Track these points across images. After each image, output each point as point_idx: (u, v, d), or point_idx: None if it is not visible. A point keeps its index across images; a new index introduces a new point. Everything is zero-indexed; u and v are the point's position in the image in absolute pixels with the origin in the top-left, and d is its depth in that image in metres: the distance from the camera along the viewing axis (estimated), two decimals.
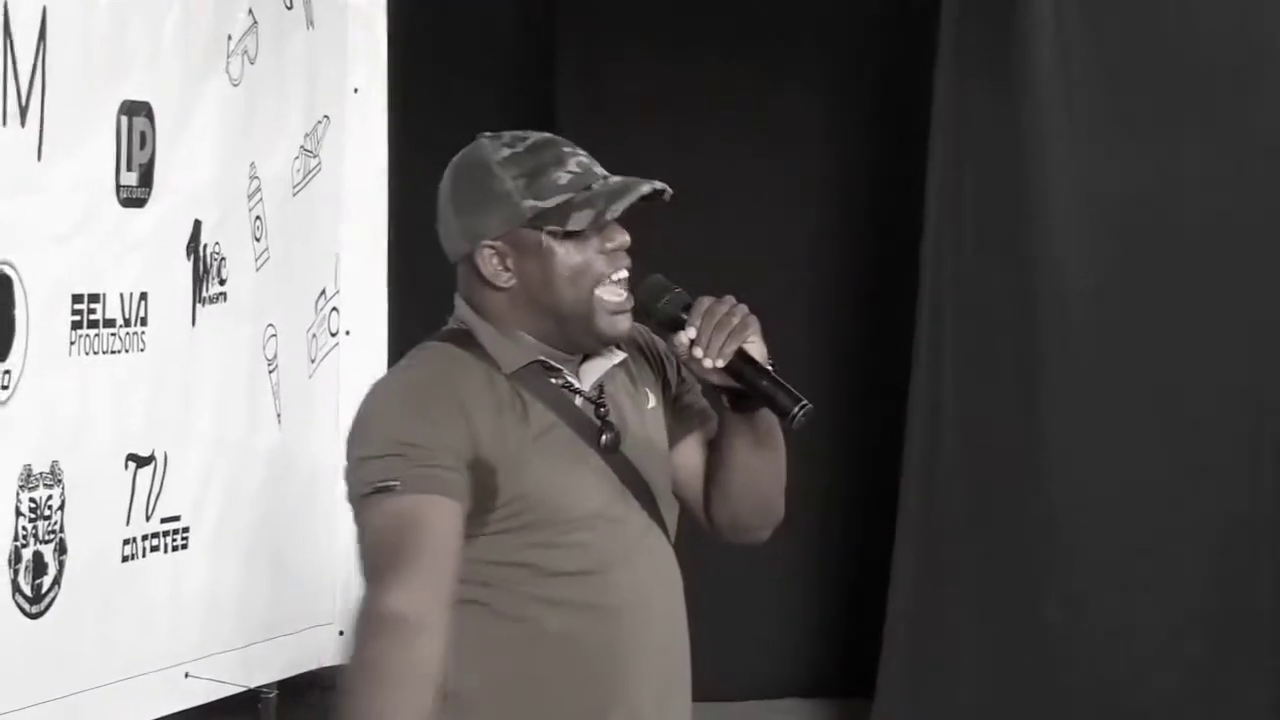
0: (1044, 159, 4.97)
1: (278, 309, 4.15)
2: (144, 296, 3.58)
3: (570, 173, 2.22)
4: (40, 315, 3.28)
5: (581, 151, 2.27)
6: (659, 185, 2.22)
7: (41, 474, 3.30)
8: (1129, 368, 4.97)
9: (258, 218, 4.04)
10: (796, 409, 2.19)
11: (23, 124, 3.24)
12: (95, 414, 3.45)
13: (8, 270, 3.22)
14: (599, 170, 2.25)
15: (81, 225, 3.43)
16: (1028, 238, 4.97)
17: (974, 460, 5.01)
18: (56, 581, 3.35)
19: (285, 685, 4.33)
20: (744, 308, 2.23)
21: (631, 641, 2.22)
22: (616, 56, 6.15)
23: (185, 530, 3.76)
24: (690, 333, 2.21)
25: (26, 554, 3.27)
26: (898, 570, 5.13)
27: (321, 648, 4.46)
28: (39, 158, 3.29)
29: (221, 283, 3.86)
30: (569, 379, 2.24)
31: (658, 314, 2.25)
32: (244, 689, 4.05)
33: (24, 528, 3.25)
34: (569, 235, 2.19)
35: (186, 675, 3.80)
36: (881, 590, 5.18)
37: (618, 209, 2.19)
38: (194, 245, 3.77)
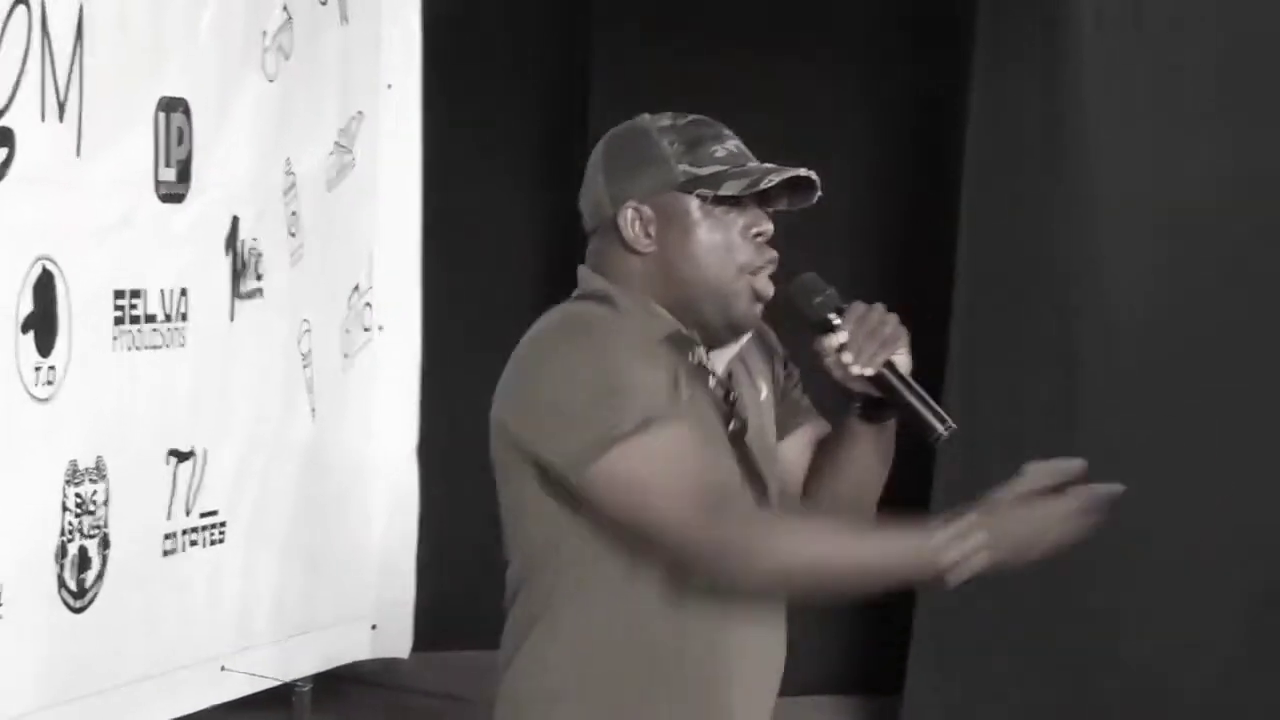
0: (1085, 153, 4.94)
1: (312, 304, 4.16)
2: (184, 292, 3.59)
3: (727, 150, 2.19)
4: (82, 311, 3.30)
5: (737, 138, 2.23)
6: (811, 174, 2.18)
7: (87, 469, 3.32)
8: (1170, 369, 4.92)
9: (293, 213, 4.06)
10: (942, 428, 2.17)
11: (61, 119, 3.25)
12: (138, 409, 3.47)
13: (49, 267, 3.24)
14: (752, 157, 2.21)
15: (122, 221, 3.45)
16: (1065, 236, 4.94)
17: (1006, 457, 4.97)
18: (100, 576, 3.37)
19: (319, 679, 4.34)
20: (895, 317, 2.19)
21: (738, 646, 2.19)
22: (652, 50, 6.14)
23: (222, 524, 3.77)
24: (842, 336, 2.17)
25: (72, 549, 3.29)
26: None
27: (355, 642, 4.48)
28: (78, 154, 3.31)
29: (258, 278, 3.87)
30: (703, 358, 2.19)
31: (809, 312, 2.20)
32: (279, 682, 4.07)
33: (70, 523, 3.27)
34: (719, 202, 2.15)
35: (223, 669, 3.81)
36: (910, 588, 5.16)
37: (773, 180, 2.15)
38: (232, 241, 3.79)
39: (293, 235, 4.06)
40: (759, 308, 2.19)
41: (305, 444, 4.16)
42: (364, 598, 4.47)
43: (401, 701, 5.36)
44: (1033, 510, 2.05)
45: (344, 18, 4.28)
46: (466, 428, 6.91)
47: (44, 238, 3.23)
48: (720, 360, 2.22)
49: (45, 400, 3.22)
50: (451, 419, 5.78)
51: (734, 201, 2.15)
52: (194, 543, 3.67)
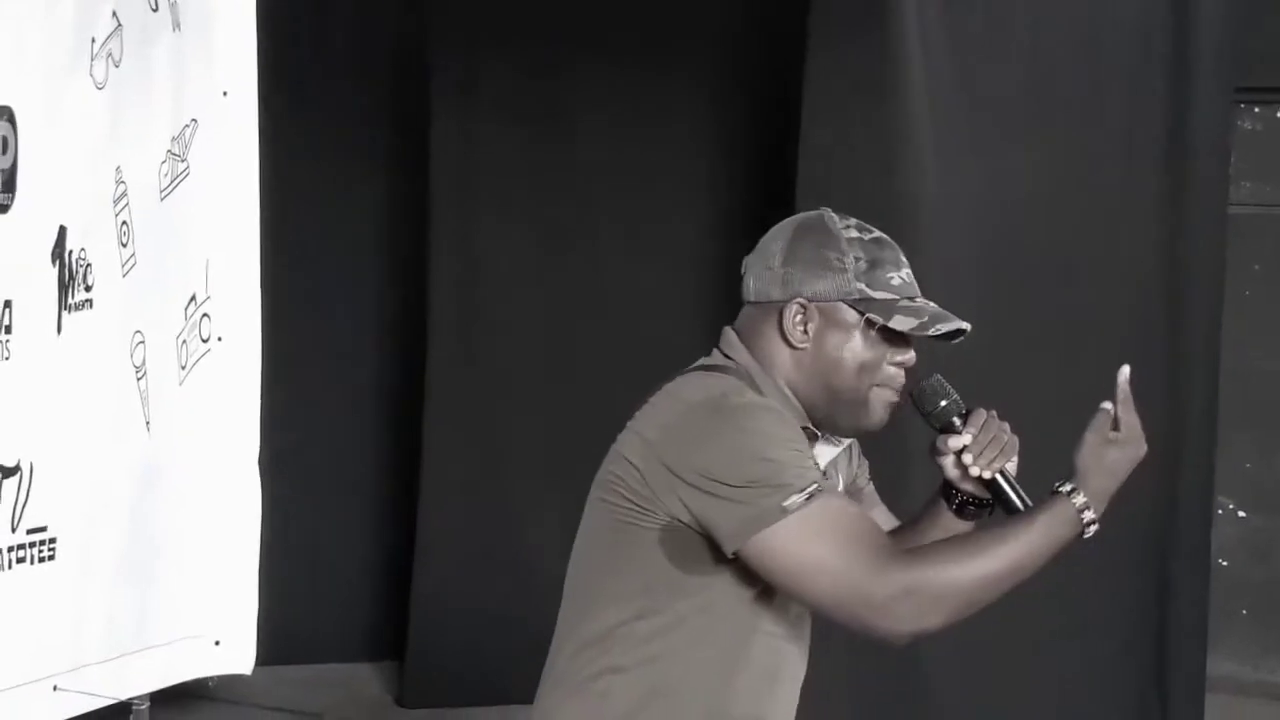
0: (907, 163, 5.07)
1: (146, 315, 4.09)
2: (8, 304, 3.51)
3: (901, 279, 2.37)
4: None
5: (908, 265, 2.41)
6: (968, 326, 2.35)
7: None
8: (986, 358, 5.06)
9: (124, 223, 3.98)
10: None
11: None
12: None
13: None
14: (918, 290, 2.40)
15: None
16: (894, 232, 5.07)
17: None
18: None
19: (160, 695, 4.28)
20: (1008, 426, 2.42)
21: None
22: (491, 56, 6.14)
23: (52, 541, 3.69)
24: (965, 439, 2.39)
25: None
26: None
27: (197, 658, 4.41)
28: None
29: (88, 289, 3.80)
30: (814, 453, 2.35)
31: (936, 414, 2.42)
32: (115, 700, 4.00)
33: None
34: (881, 331, 2.33)
35: (55, 688, 3.73)
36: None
37: (940, 329, 2.33)
38: (59, 251, 3.70)
39: (124, 245, 3.99)
40: (886, 416, 2.39)
41: (141, 458, 4.09)
42: (205, 613, 4.40)
43: (245, 716, 5.31)
44: (1119, 445, 2.31)
45: (176, 25, 4.21)
46: (309, 439, 6.91)
47: None
48: (824, 457, 2.40)
49: None
50: (294, 430, 5.75)
51: (894, 330, 2.33)
52: (21, 560, 3.58)
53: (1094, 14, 5.34)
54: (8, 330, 3.50)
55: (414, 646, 6.29)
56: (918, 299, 2.36)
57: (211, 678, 4.56)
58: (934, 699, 5.25)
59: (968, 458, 2.38)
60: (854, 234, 2.36)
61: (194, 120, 4.29)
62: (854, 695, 5.18)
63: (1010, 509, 2.40)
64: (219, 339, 4.40)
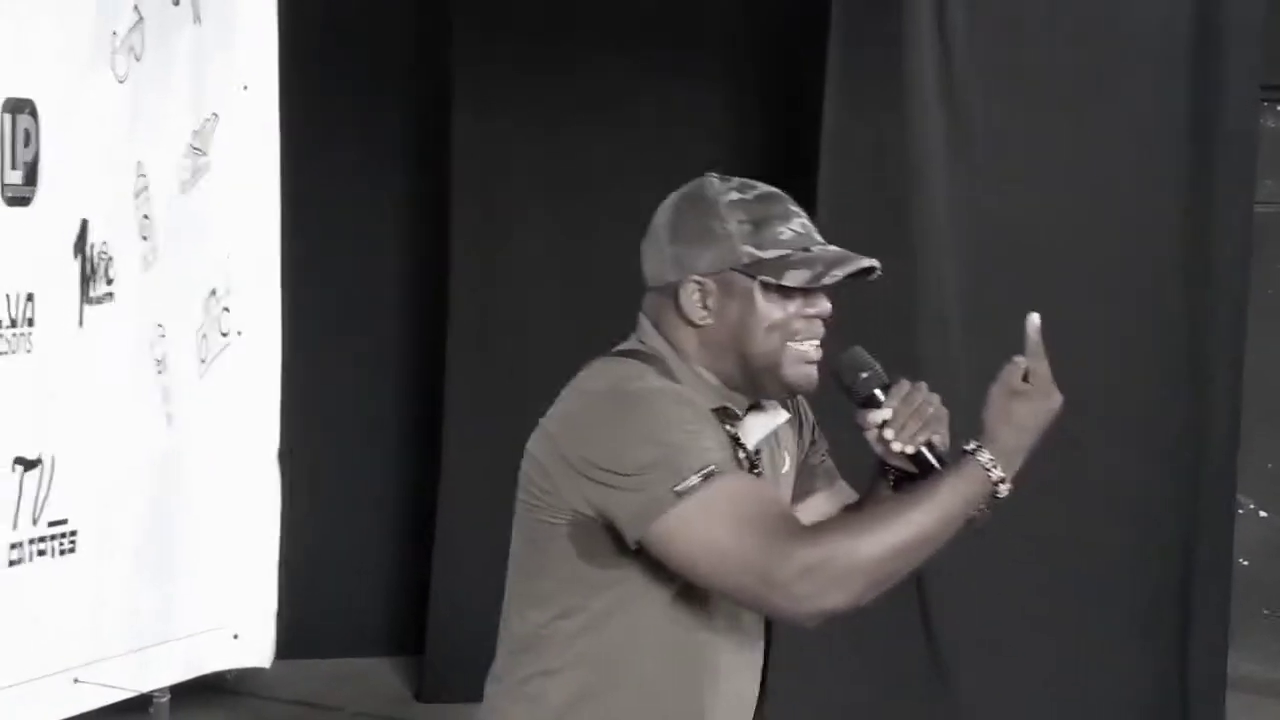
0: (924, 169, 5.08)
1: (167, 309, 4.10)
2: (30, 297, 3.52)
3: (793, 230, 2.26)
4: None
5: (804, 214, 2.30)
6: (875, 264, 2.24)
7: None
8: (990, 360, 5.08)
9: (145, 216, 3.99)
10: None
11: None
12: None
13: None
14: (818, 236, 2.28)
15: None
16: (910, 245, 5.07)
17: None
18: None
19: (179, 688, 4.29)
20: (937, 398, 2.28)
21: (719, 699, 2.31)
22: (513, 53, 6.13)
23: (73, 534, 3.70)
24: (885, 413, 2.25)
25: None
26: None
27: (216, 651, 4.42)
28: None
29: (109, 283, 3.80)
30: (737, 432, 2.28)
31: (855, 388, 2.29)
32: (135, 693, 4.01)
33: None
34: (778, 290, 2.23)
35: (75, 681, 3.74)
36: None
37: (836, 275, 2.23)
38: (81, 244, 3.71)
39: (145, 239, 3.99)
40: (813, 370, 2.28)
41: (161, 451, 4.10)
42: (225, 606, 4.41)
43: (264, 710, 5.32)
44: (1026, 396, 2.17)
45: (197, 18, 4.21)
46: (329, 433, 6.91)
47: None
48: (753, 434, 2.31)
49: None
50: (314, 424, 5.75)
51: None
52: (42, 552, 3.59)
53: (1117, 9, 5.32)
54: (29, 323, 3.51)
55: (433, 641, 6.29)
56: (814, 248, 2.24)
57: (230, 671, 4.57)
58: (952, 698, 5.24)
59: (889, 432, 2.25)
60: (734, 195, 2.26)
61: (215, 114, 4.29)
62: (870, 692, 5.18)
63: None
64: (239, 333, 4.41)
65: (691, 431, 2.14)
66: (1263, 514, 7.16)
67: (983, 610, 5.22)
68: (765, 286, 2.22)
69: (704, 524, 2.09)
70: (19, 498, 3.51)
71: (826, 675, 5.19)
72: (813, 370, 2.27)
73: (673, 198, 2.31)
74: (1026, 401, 2.16)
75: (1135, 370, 5.20)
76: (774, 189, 2.31)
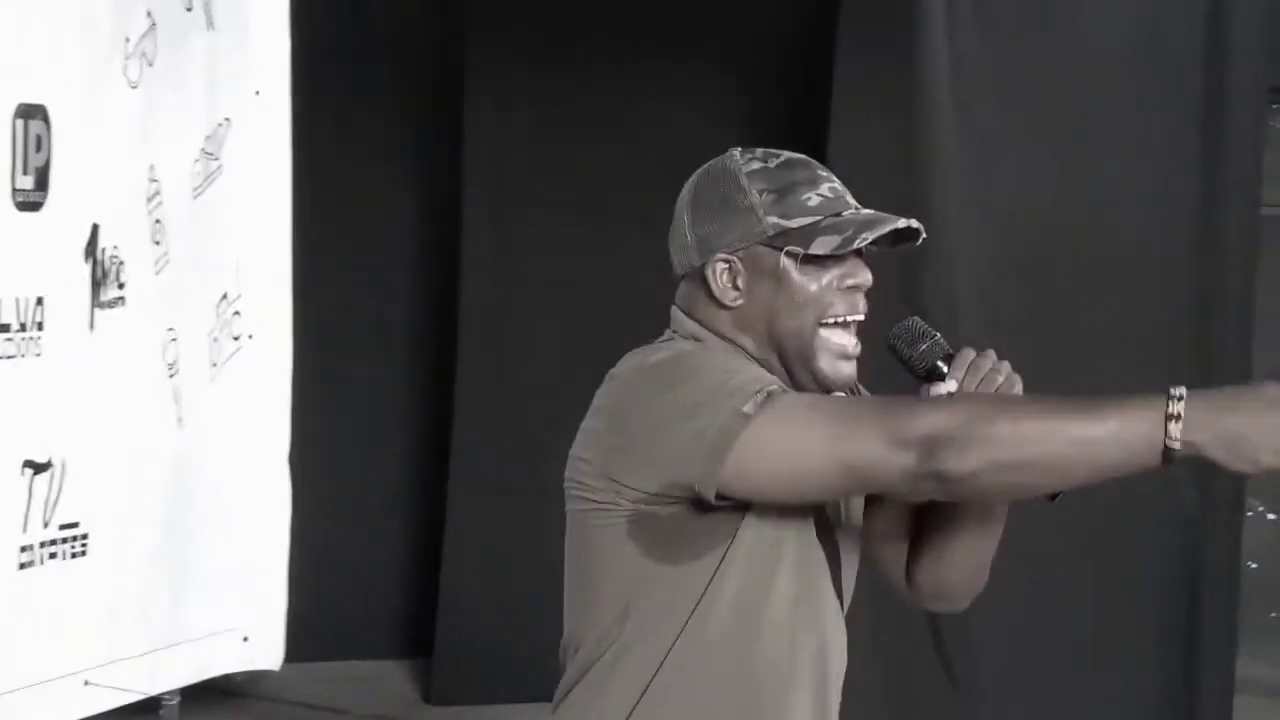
0: (936, 163, 5.08)
1: (178, 313, 4.11)
2: (40, 301, 3.53)
3: (821, 196, 2.06)
4: None
5: (834, 177, 2.10)
6: (913, 222, 2.05)
7: None
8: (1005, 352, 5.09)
9: (157, 220, 4.01)
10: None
11: None
12: None
13: None
14: (851, 200, 2.09)
15: None
16: (920, 250, 5.08)
17: None
18: None
19: (189, 691, 4.30)
20: (1007, 365, 2.08)
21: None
22: (527, 56, 6.14)
23: (85, 537, 3.71)
24: (951, 385, 2.06)
25: None
26: None
27: (226, 654, 4.43)
28: None
29: (120, 287, 3.82)
30: None
31: (916, 360, 2.09)
32: (146, 696, 4.02)
33: None
34: (809, 260, 2.04)
35: (86, 683, 3.75)
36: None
37: (867, 238, 2.03)
38: (92, 249, 3.73)
39: (157, 243, 4.01)
40: (847, 364, 2.08)
41: (172, 454, 4.11)
42: (235, 609, 4.42)
43: (273, 713, 5.33)
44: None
45: (210, 24, 4.23)
46: (339, 436, 6.91)
47: None
48: None
49: None
50: (324, 428, 5.77)
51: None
52: (53, 555, 3.61)
53: (1125, 13, 5.33)
54: (40, 327, 3.53)
55: (442, 644, 6.30)
56: (845, 213, 2.04)
57: (240, 673, 4.58)
58: (963, 699, 5.24)
59: None
60: (756, 165, 2.08)
61: (227, 119, 4.31)
62: (887, 691, 5.17)
63: None
64: (250, 337, 4.43)
65: (740, 367, 2.01)
66: (1271, 516, 7.16)
67: (991, 613, 5.22)
68: (794, 257, 2.04)
69: (787, 425, 1.93)
70: (29, 501, 3.53)
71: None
72: (849, 367, 2.08)
73: (694, 177, 2.16)
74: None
75: (1144, 373, 5.20)
76: (799, 155, 2.12)
